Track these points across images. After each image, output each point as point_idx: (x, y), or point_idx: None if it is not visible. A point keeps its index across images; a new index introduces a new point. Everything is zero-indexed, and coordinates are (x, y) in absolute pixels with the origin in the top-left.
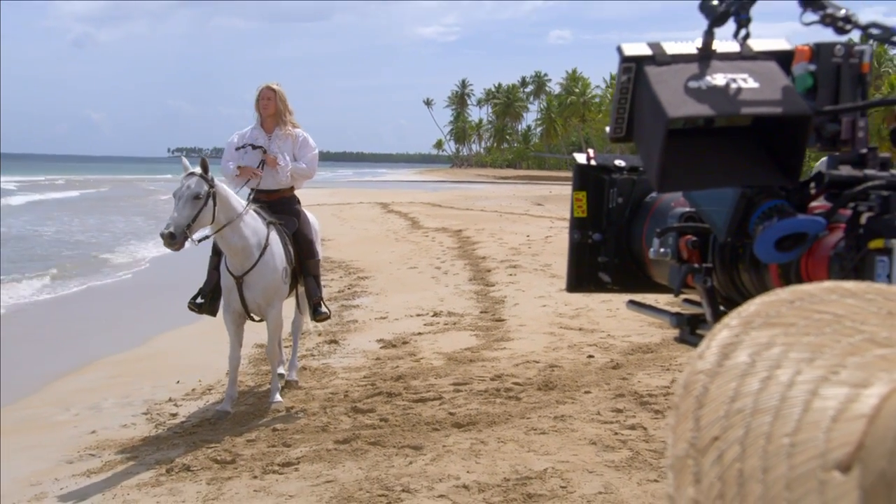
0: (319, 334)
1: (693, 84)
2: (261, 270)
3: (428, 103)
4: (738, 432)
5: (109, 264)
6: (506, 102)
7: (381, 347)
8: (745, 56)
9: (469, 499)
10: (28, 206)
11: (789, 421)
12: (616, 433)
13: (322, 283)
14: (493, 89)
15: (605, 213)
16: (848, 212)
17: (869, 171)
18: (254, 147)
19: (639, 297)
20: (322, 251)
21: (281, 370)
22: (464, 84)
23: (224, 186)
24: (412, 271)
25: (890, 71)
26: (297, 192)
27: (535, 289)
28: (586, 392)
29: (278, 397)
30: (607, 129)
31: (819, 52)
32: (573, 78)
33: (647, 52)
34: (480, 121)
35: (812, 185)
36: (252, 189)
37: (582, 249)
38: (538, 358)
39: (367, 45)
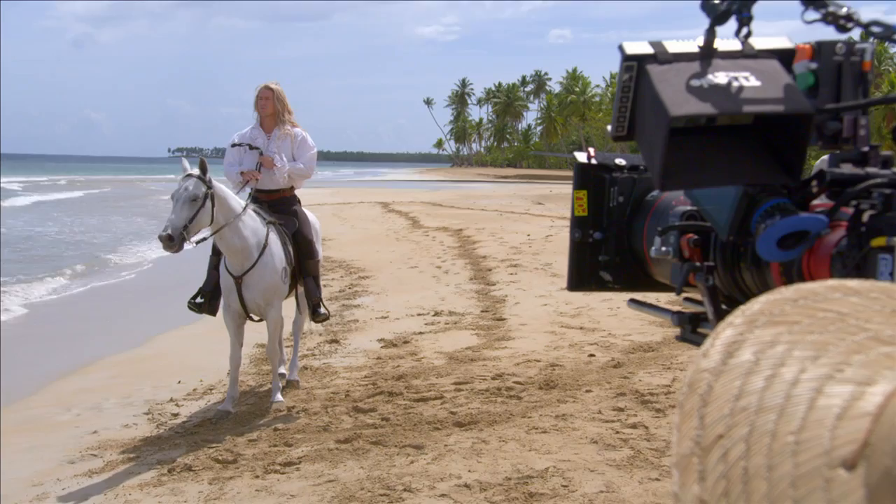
0: (320, 334)
1: (695, 82)
2: (260, 270)
3: (428, 103)
4: (743, 430)
5: (114, 265)
6: (506, 102)
7: (382, 347)
8: (747, 54)
9: (471, 498)
10: (34, 206)
11: (794, 419)
12: (617, 432)
13: (322, 282)
14: (494, 88)
15: (606, 212)
16: (850, 210)
17: (871, 170)
18: (251, 147)
19: (640, 296)
20: (323, 251)
21: (282, 370)
22: (464, 83)
23: (222, 187)
24: (413, 271)
25: (890, 69)
26: (297, 192)
27: (536, 288)
28: (587, 391)
29: (279, 397)
30: (609, 127)
31: (820, 50)
32: (573, 77)
33: (649, 50)
34: (481, 120)
35: (814, 183)
36: (252, 189)
37: (583, 248)
38: (539, 357)
39: (367, 45)
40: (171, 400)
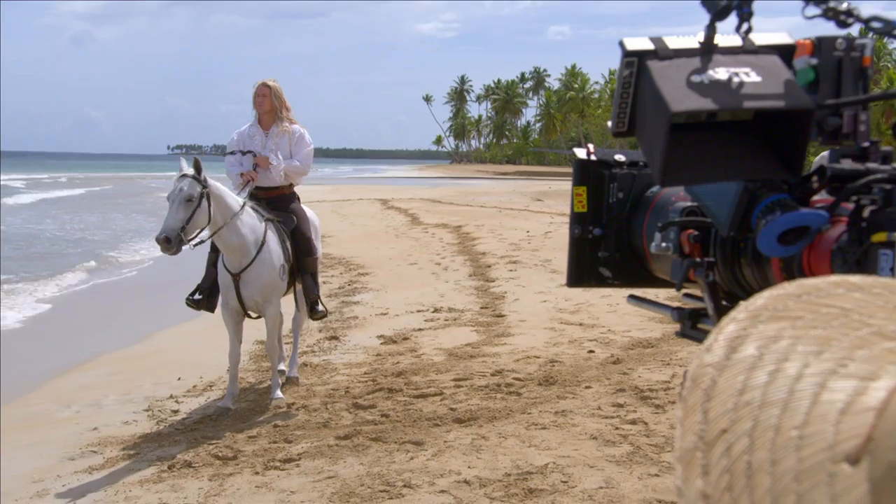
0: (320, 331)
1: (696, 78)
2: (258, 268)
3: (427, 99)
4: (747, 425)
5: (118, 262)
6: (505, 98)
7: (381, 343)
8: (748, 50)
9: (470, 494)
10: (40, 203)
11: (798, 413)
12: (617, 428)
13: (322, 279)
14: (493, 85)
15: (606, 208)
16: (850, 205)
17: (871, 165)
18: (243, 153)
19: (639, 292)
20: (322, 248)
21: (282, 367)
22: (463, 80)
23: (218, 185)
24: (412, 267)
25: (889, 65)
26: (297, 189)
27: (536, 284)
28: (587, 387)
29: (279, 394)
30: (609, 123)
31: (821, 45)
32: (572, 73)
33: (650, 46)
34: (480, 117)
35: (814, 178)
36: (251, 188)
37: (582, 244)
38: (539, 353)
39: (365, 42)
40: (171, 397)
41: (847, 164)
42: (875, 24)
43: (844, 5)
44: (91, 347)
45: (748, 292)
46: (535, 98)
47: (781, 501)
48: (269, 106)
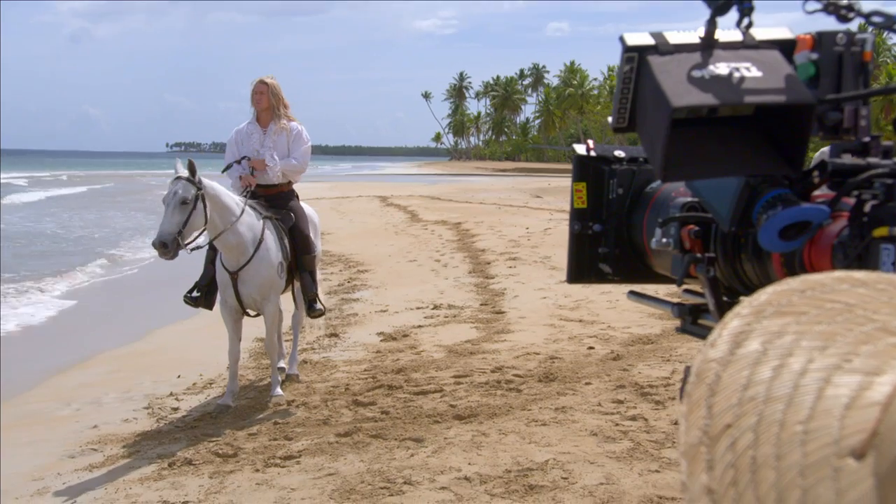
0: (319, 328)
1: (696, 73)
2: (256, 266)
3: (426, 96)
4: (751, 420)
5: (122, 259)
6: (504, 95)
7: (381, 340)
8: (748, 45)
9: (471, 490)
10: (46, 201)
11: (802, 408)
12: (617, 424)
13: (321, 277)
14: (492, 82)
15: (606, 204)
16: (851, 200)
17: (872, 160)
18: (238, 162)
19: (639, 288)
20: (322, 245)
21: (281, 364)
22: (462, 77)
23: (214, 185)
24: (412, 264)
25: (888, 61)
26: (296, 186)
27: (535, 281)
28: (587, 383)
29: (279, 391)
30: (609, 119)
31: (821, 40)
32: (571, 70)
33: (650, 41)
34: (479, 113)
35: (815, 173)
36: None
37: (582, 240)
38: (538, 350)
39: (364, 39)
40: (171, 394)
41: (848, 158)
42: (876, 19)
43: (845, 0)
44: (90, 345)
45: (749, 288)
46: (534, 95)
47: (786, 496)
48: (267, 103)
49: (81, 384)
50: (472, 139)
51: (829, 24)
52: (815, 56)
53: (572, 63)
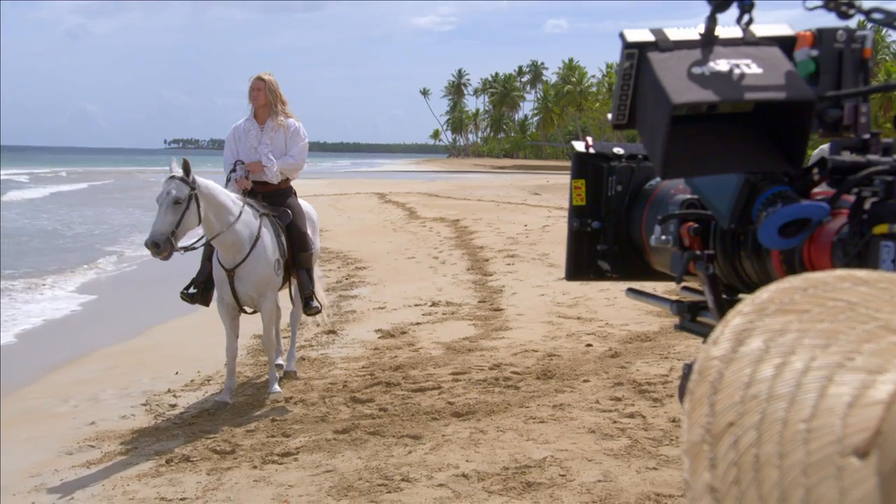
0: (318, 325)
1: (697, 70)
2: (252, 263)
3: (424, 93)
4: (754, 418)
5: (124, 256)
6: (502, 92)
7: (379, 338)
8: (748, 42)
9: (468, 487)
10: (50, 198)
11: (805, 407)
12: (615, 421)
13: (320, 274)
14: (490, 79)
15: (604, 201)
16: (851, 197)
17: (872, 157)
18: (234, 169)
19: (637, 285)
20: (320, 242)
21: (280, 361)
22: (460, 74)
23: (209, 184)
24: (410, 261)
25: (887, 58)
26: (294, 183)
27: (533, 278)
28: (585, 381)
29: (277, 388)
30: (609, 116)
31: (821, 37)
32: (570, 67)
33: (650, 38)
34: (477, 110)
35: (815, 171)
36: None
37: (581, 237)
38: (536, 347)
39: (362, 35)
40: (169, 391)
41: (848, 156)
42: (876, 16)
43: None
44: (88, 341)
45: (748, 285)
46: (533, 92)
47: (789, 495)
48: (264, 100)
49: (79, 381)
50: (470, 136)
51: (829, 20)
52: (815, 53)
53: (571, 60)
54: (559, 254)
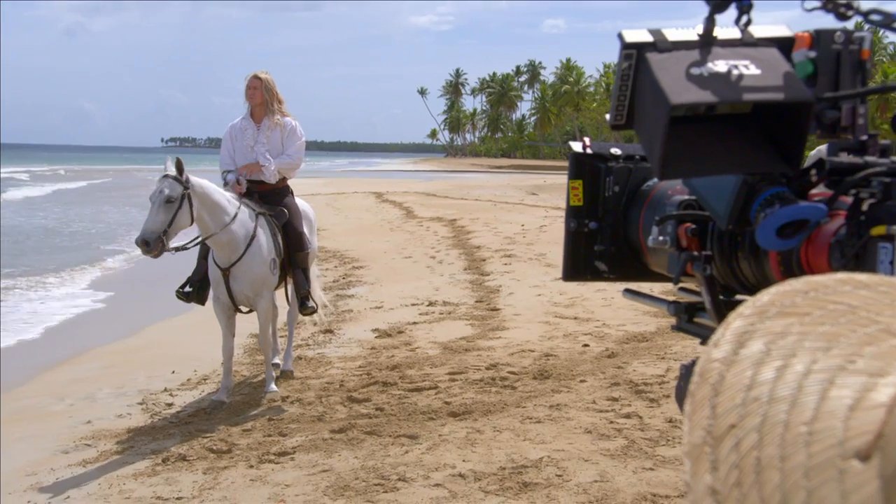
0: (315, 324)
1: (695, 71)
2: (247, 262)
3: (422, 93)
4: (755, 420)
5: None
6: (500, 92)
7: (376, 337)
8: (747, 43)
9: (465, 487)
10: (54, 195)
11: (806, 409)
12: (611, 422)
13: (318, 273)
14: (488, 78)
15: (602, 202)
16: (849, 199)
17: (869, 158)
18: (226, 182)
19: (634, 286)
20: (317, 241)
21: (276, 360)
22: (458, 73)
23: (203, 184)
24: (407, 261)
25: (884, 59)
26: (291, 182)
27: (530, 278)
28: (581, 381)
29: (274, 387)
30: (607, 116)
31: (819, 38)
32: (567, 67)
33: (649, 38)
34: (475, 110)
35: (813, 172)
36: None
37: (578, 238)
38: (533, 347)
39: (360, 35)
40: (166, 390)
41: (845, 157)
42: (874, 17)
43: None
44: (84, 340)
45: (745, 286)
46: (531, 91)
47: (791, 497)
48: (261, 98)
49: (75, 379)
50: (467, 136)
51: (827, 21)
52: (813, 54)
53: (568, 60)
54: (556, 254)
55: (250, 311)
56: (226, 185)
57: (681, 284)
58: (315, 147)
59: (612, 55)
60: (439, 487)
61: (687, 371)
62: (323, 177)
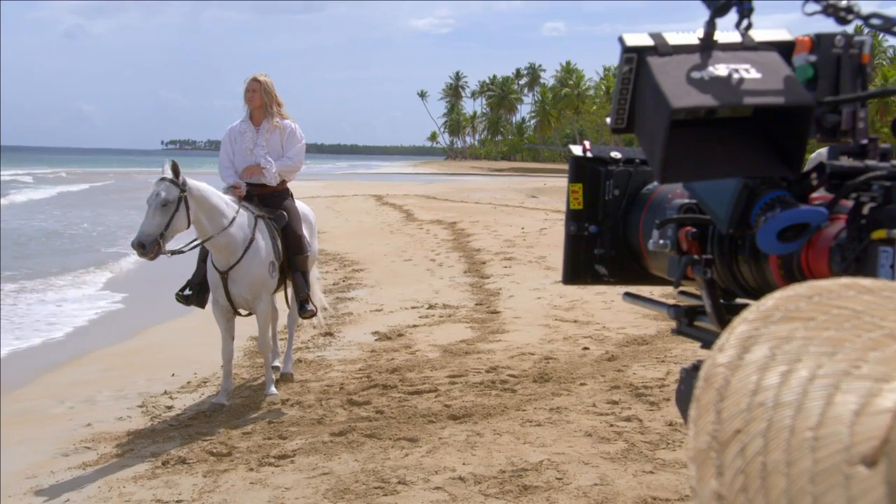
0: (314, 327)
1: (696, 74)
2: (246, 265)
3: (422, 95)
4: (761, 425)
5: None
6: (500, 94)
7: (376, 340)
8: (747, 46)
9: (465, 491)
10: (58, 197)
11: (812, 415)
12: (611, 425)
13: (318, 275)
14: (488, 81)
15: (602, 205)
16: (849, 203)
17: (870, 162)
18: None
19: (634, 289)
20: (317, 244)
21: (276, 363)
22: (458, 76)
23: (201, 187)
24: (407, 263)
25: (883, 63)
26: (290, 185)
27: (530, 281)
28: (581, 384)
29: (273, 390)
30: (608, 119)
31: (819, 42)
32: (567, 70)
33: (649, 42)
34: (475, 113)
35: (813, 175)
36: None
37: (578, 241)
38: (533, 350)
39: (360, 37)
40: (165, 393)
41: (846, 161)
42: (875, 21)
43: (844, 2)
44: (84, 343)
45: (746, 290)
46: (531, 94)
47: (797, 503)
48: (260, 101)
49: (75, 382)
50: (467, 139)
51: (827, 25)
52: (813, 58)
53: (568, 63)
54: (556, 257)
55: (249, 314)
56: (227, 189)
57: (682, 288)
58: (315, 150)
59: (613, 58)
60: (439, 490)
61: (687, 375)
62: (323, 179)
